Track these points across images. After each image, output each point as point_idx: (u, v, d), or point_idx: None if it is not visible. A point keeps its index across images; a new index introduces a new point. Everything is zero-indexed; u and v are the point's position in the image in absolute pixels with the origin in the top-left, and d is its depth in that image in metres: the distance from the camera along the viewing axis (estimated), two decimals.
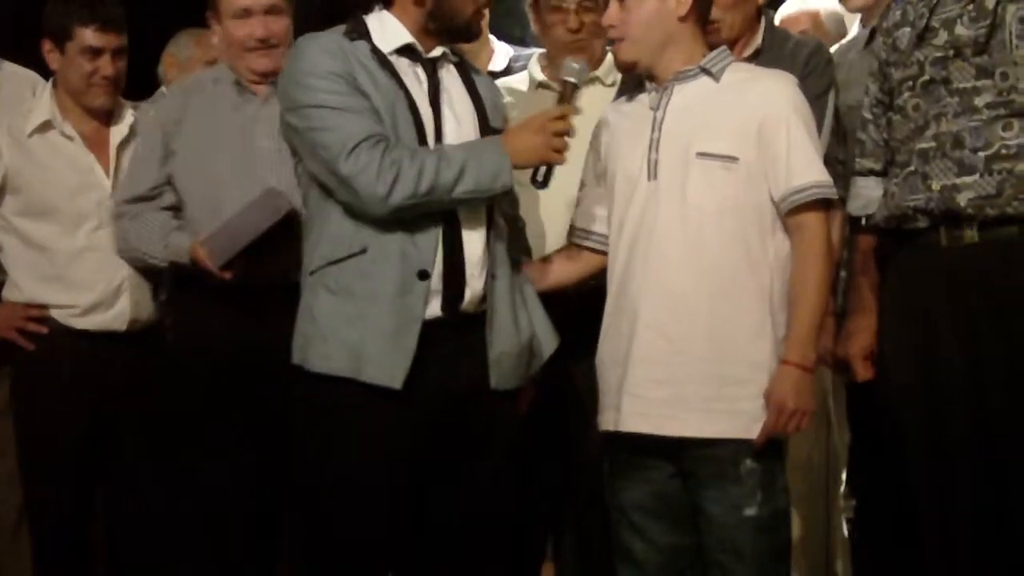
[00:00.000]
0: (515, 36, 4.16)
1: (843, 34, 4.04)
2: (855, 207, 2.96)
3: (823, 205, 2.73)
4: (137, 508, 3.42)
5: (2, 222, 3.38)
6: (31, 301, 3.36)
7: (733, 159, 2.71)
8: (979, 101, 2.70)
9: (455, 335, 2.70)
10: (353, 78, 2.66)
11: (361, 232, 2.66)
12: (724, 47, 2.85)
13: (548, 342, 2.87)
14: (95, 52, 3.32)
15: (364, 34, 2.73)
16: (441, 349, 2.67)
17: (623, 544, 2.83)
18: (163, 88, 4.37)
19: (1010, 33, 2.68)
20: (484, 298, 2.72)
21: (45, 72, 3.63)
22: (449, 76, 2.80)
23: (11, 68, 3.74)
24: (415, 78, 2.74)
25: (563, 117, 2.69)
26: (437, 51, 2.78)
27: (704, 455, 2.70)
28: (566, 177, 2.83)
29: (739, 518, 2.68)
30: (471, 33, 2.82)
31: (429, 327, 2.66)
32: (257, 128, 3.18)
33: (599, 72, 3.31)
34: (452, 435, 2.72)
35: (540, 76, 3.40)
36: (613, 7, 2.78)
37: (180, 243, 3.18)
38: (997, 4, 2.69)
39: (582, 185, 2.96)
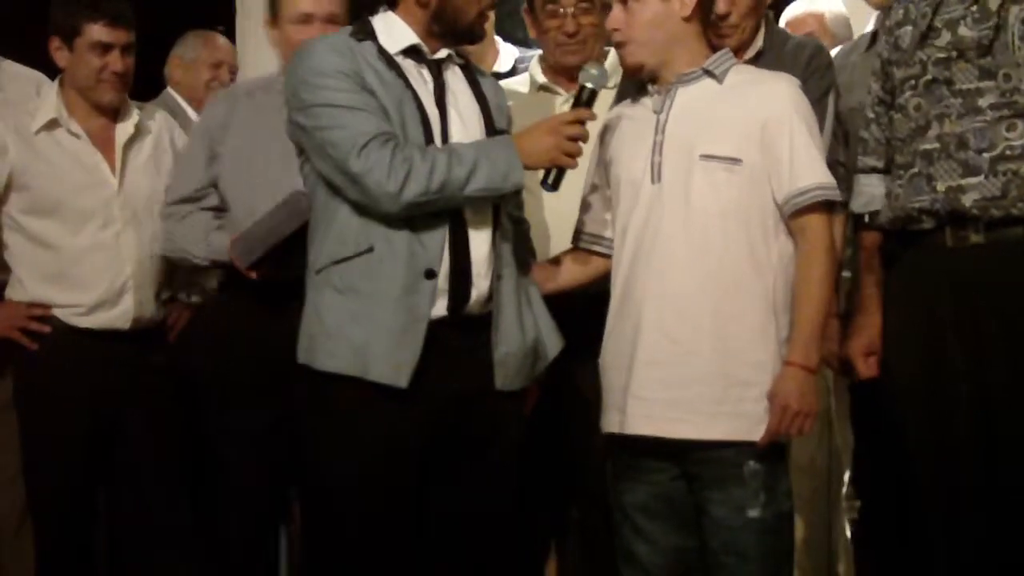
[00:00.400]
0: (519, 38, 4.16)
1: (848, 36, 4.04)
2: (858, 205, 2.96)
3: (826, 207, 2.73)
4: (139, 508, 3.43)
5: (7, 220, 3.37)
6: (35, 300, 3.36)
7: (736, 161, 2.71)
8: (982, 102, 2.70)
9: (460, 335, 2.70)
10: (361, 77, 2.66)
11: (368, 231, 2.65)
12: (727, 49, 2.85)
13: (553, 344, 2.87)
14: (105, 48, 3.32)
15: (370, 35, 2.73)
16: (446, 349, 2.67)
17: (626, 546, 2.83)
18: (169, 88, 4.39)
19: (1013, 35, 2.68)
20: (490, 298, 2.72)
21: (45, 71, 3.65)
22: (454, 77, 2.80)
23: (14, 67, 3.75)
24: (421, 79, 2.74)
25: (578, 121, 2.69)
26: (442, 53, 2.78)
27: (708, 457, 2.70)
28: (571, 180, 2.83)
29: (743, 520, 2.68)
30: (475, 35, 2.82)
31: (434, 327, 2.66)
32: None
33: None
34: (456, 435, 2.73)
35: (541, 78, 3.40)
36: (617, 10, 2.79)
37: (221, 243, 3.20)
38: (1000, 6, 2.69)
39: (586, 189, 2.96)
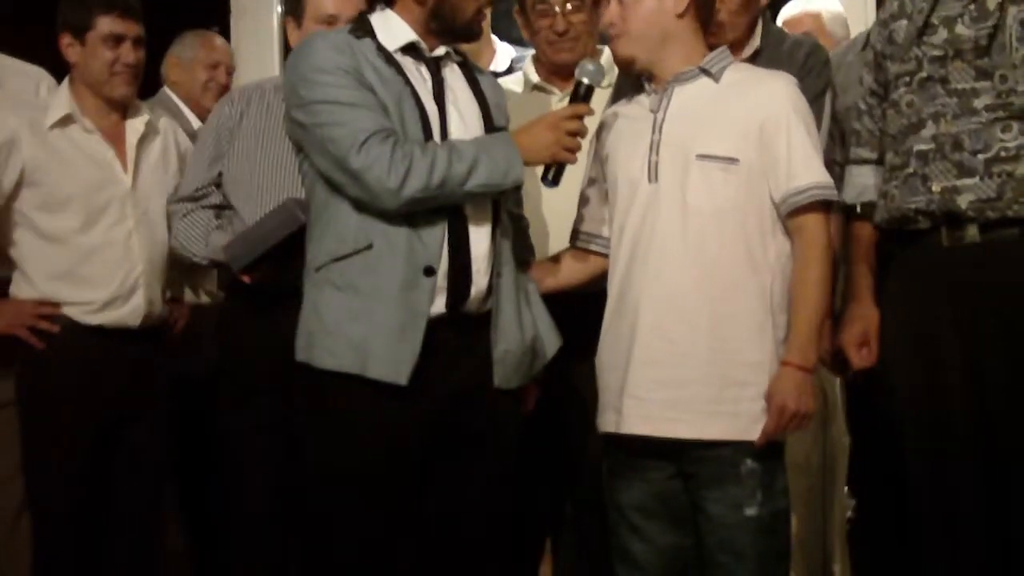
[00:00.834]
0: (515, 37, 4.16)
1: (845, 36, 4.04)
2: (850, 195, 2.95)
3: (824, 207, 2.73)
4: (145, 507, 3.43)
5: (18, 216, 3.33)
6: (43, 297, 3.33)
7: (734, 160, 2.71)
8: (978, 103, 2.70)
9: (459, 333, 2.70)
10: (360, 74, 2.66)
11: (367, 228, 2.65)
12: (724, 47, 2.85)
13: (551, 342, 2.87)
14: (117, 39, 3.32)
15: (369, 32, 2.73)
16: (445, 346, 2.68)
17: (622, 545, 2.83)
18: (165, 88, 4.38)
19: (1011, 36, 2.68)
20: (489, 296, 2.72)
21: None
22: (453, 75, 2.80)
23: (14, 63, 3.74)
24: (420, 76, 2.74)
25: (577, 116, 2.70)
26: (440, 50, 2.79)
27: (705, 456, 2.70)
28: (570, 177, 2.83)
29: (739, 518, 2.69)
30: (472, 33, 2.82)
31: (434, 324, 2.65)
32: None
33: None
34: (454, 432, 2.73)
35: (535, 78, 3.40)
36: (612, 6, 2.79)
37: (220, 242, 3.20)
38: (999, 5, 2.69)
39: (584, 188, 2.96)
